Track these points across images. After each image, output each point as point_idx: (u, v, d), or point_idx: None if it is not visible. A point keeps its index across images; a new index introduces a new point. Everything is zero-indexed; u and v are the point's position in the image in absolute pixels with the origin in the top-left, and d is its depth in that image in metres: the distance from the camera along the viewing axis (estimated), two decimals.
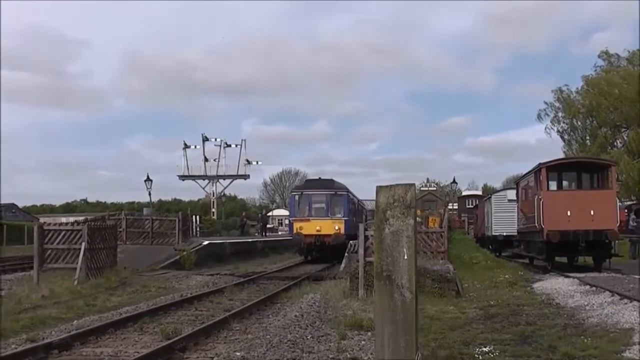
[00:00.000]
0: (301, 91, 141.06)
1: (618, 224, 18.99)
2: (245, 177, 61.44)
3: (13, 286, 15.59)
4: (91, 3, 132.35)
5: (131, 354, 8.05)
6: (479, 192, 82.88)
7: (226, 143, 61.37)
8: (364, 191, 71.53)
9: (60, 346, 8.37)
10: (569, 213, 17.86)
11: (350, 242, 20.75)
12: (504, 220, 29.34)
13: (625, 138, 37.75)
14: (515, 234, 25.68)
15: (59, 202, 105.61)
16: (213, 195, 61.37)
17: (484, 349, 7.90)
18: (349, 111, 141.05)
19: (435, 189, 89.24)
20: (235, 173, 60.76)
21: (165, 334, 9.16)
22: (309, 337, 8.93)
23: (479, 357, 7.52)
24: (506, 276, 17.10)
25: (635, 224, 24.27)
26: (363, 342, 8.34)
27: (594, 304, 11.90)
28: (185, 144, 60.96)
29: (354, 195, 31.90)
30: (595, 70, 39.98)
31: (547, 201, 18.40)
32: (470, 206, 64.94)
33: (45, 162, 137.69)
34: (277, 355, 7.72)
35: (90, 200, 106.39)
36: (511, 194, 27.56)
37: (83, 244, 16.26)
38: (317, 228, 27.57)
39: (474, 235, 44.12)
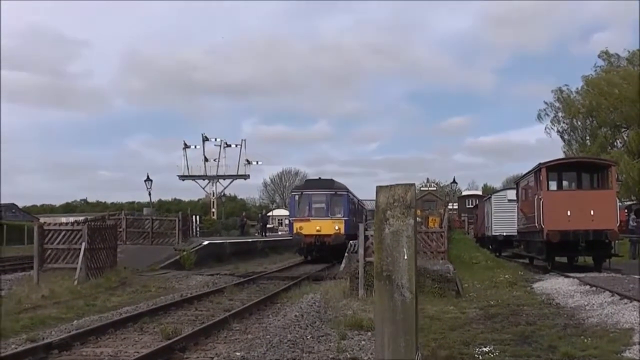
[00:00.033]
0: (301, 91, 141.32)
1: (618, 224, 18.99)
2: (245, 177, 61.52)
3: (13, 286, 15.59)
4: (91, 3, 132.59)
5: (131, 354, 8.05)
6: (479, 192, 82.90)
7: (226, 143, 61.51)
8: (364, 191, 71.67)
9: (60, 346, 8.37)
10: (569, 213, 17.87)
11: (350, 242, 20.74)
12: (504, 220, 29.33)
13: (625, 138, 37.74)
14: (515, 234, 25.68)
15: (59, 202, 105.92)
16: (213, 195, 61.38)
17: (484, 349, 7.90)
18: (349, 111, 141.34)
19: (435, 189, 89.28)
20: (235, 173, 60.84)
21: (165, 334, 9.16)
22: (309, 337, 8.93)
23: (479, 357, 7.52)
24: (506, 276, 17.10)
25: (635, 224, 24.27)
26: (363, 342, 8.34)
27: (594, 304, 11.89)
28: (185, 144, 61.08)
29: (354, 195, 31.89)
30: (595, 70, 40.05)
31: (547, 201, 18.40)
32: (470, 206, 64.97)
33: (45, 162, 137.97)
34: (277, 355, 7.71)
35: (90, 200, 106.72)
36: (511, 194, 27.56)
37: (83, 244, 16.27)
38: (317, 228, 27.56)
39: (474, 235, 44.13)
